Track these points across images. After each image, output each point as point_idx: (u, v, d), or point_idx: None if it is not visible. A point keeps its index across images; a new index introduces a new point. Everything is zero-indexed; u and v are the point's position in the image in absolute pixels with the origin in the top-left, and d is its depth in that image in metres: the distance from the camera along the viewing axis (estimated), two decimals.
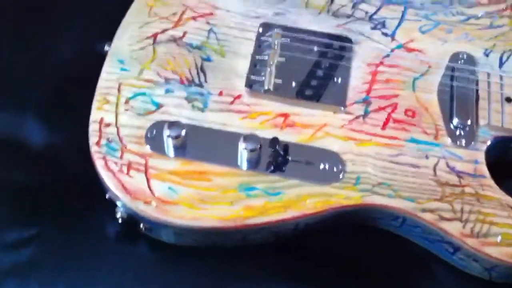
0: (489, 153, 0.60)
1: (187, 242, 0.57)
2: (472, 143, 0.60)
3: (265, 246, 0.58)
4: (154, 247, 0.58)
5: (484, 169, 0.58)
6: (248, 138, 0.57)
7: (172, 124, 0.57)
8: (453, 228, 0.55)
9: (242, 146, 0.56)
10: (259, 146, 0.56)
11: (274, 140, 0.57)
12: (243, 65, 0.63)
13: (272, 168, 0.57)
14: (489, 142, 0.60)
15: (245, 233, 0.56)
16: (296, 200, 0.56)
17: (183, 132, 0.57)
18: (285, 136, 0.59)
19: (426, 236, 0.57)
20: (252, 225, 0.55)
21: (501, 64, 0.65)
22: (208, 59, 0.64)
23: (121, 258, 0.58)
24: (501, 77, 0.63)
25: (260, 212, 0.55)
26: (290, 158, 0.58)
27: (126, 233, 0.59)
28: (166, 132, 0.57)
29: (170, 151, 0.58)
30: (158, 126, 0.58)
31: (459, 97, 0.62)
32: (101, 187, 0.58)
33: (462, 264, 0.57)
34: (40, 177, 0.61)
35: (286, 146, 0.58)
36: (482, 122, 0.60)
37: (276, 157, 0.58)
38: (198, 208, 0.55)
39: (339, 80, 0.63)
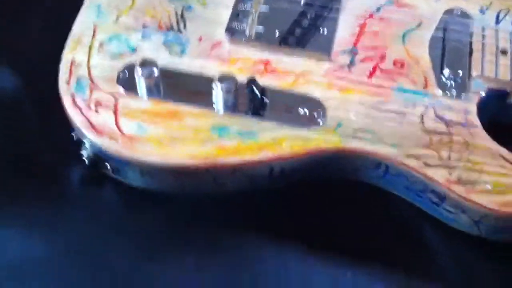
0: (484, 109, 0.56)
1: (156, 185, 0.54)
2: (464, 94, 0.56)
3: (240, 195, 0.54)
4: (122, 192, 0.55)
5: (475, 120, 0.55)
6: (224, 78, 0.54)
7: (145, 62, 0.54)
8: (439, 175, 0.51)
9: (217, 86, 0.53)
10: (234, 86, 0.53)
11: (251, 81, 0.54)
12: (225, 15, 0.61)
13: (248, 111, 0.54)
14: (482, 94, 0.56)
15: (216, 175, 0.52)
16: (272, 142, 0.53)
17: (156, 71, 0.54)
18: (265, 81, 0.56)
19: (410, 186, 0.53)
20: (224, 165, 0.52)
21: (497, 21, 0.61)
22: (189, 8, 0.61)
23: (87, 203, 0.55)
24: (496, 31, 0.59)
25: (232, 152, 0.52)
26: (268, 102, 0.54)
27: (93, 178, 0.55)
28: (139, 70, 0.54)
29: (143, 92, 0.55)
30: (131, 67, 0.56)
31: (451, 49, 0.59)
32: (68, 133, 0.55)
33: (449, 218, 0.53)
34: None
35: (264, 89, 0.55)
36: (475, 73, 0.57)
37: (253, 100, 0.54)
38: (167, 145, 0.52)
39: (325, 31, 0.60)
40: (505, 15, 0.62)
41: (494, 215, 0.50)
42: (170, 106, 0.54)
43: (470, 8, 0.62)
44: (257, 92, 0.54)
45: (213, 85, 0.53)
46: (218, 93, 0.54)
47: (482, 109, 0.56)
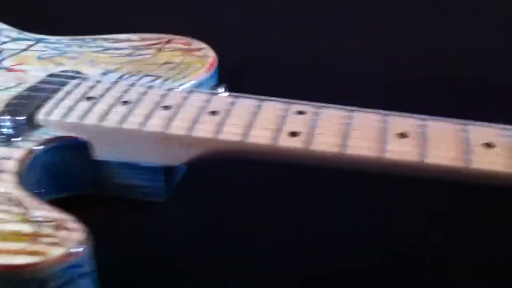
0: (66, 166, 0.43)
1: None
2: (15, 140, 0.43)
3: None
4: None
5: (9, 165, 0.40)
6: None
7: None
8: None
9: None
10: None
11: None
12: None
13: None
14: (50, 145, 0.43)
15: None
16: None
17: None
18: None
19: None
20: None
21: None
22: None
23: None
24: (110, 88, 0.48)
25: None
26: None
27: None
28: None
29: None
30: None
31: (25, 97, 0.47)
32: None
33: None
34: None
35: None
36: (40, 117, 0.44)
37: None
38: None
39: None
40: (130, 77, 0.51)
41: None
42: None
43: (91, 71, 0.51)
44: None
45: None
46: None
47: (59, 164, 0.42)
